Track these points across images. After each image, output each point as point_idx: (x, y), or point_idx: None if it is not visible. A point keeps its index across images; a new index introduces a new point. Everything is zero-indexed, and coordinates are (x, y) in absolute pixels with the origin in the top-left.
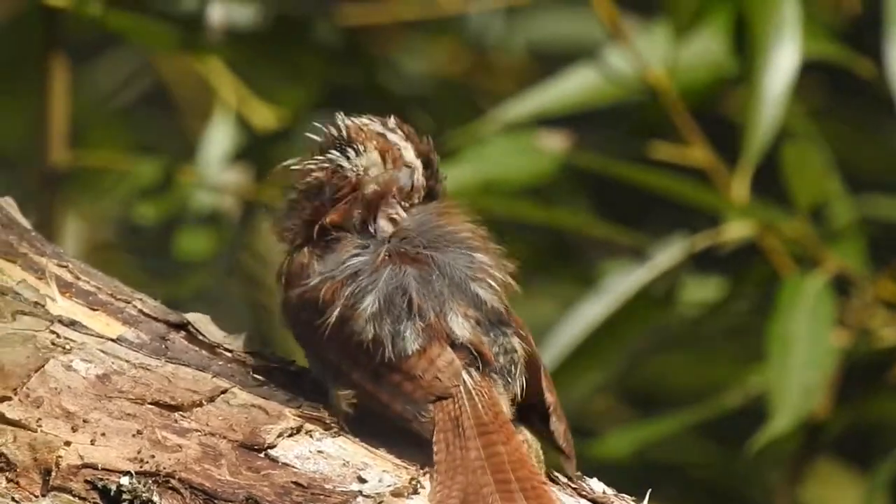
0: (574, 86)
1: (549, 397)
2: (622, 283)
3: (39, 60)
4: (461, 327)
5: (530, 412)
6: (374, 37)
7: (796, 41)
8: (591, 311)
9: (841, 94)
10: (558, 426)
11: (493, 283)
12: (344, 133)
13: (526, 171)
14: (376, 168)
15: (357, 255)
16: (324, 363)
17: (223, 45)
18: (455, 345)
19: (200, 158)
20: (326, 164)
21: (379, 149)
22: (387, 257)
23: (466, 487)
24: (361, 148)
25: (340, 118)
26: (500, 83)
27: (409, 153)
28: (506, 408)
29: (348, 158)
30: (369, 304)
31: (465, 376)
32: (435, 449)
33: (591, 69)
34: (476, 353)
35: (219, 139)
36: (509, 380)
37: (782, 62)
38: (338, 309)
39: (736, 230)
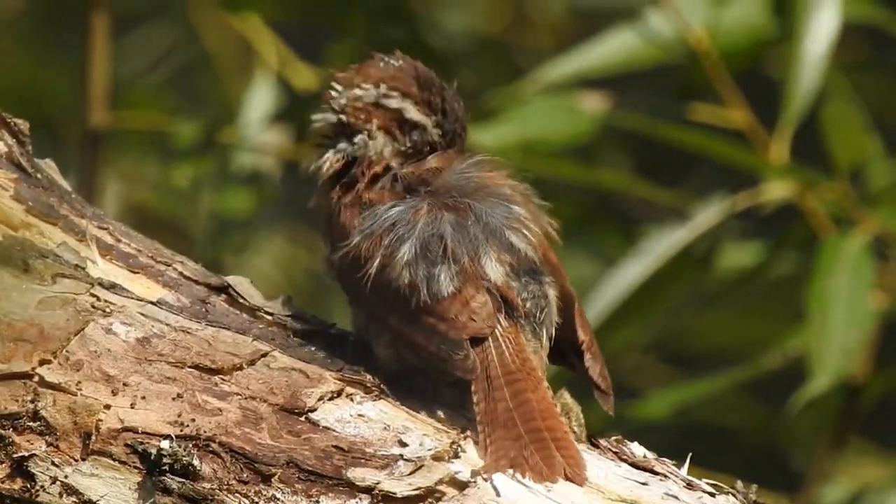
0: (615, 47)
1: (583, 335)
2: (663, 244)
3: (81, 22)
4: (494, 270)
5: (567, 351)
6: None
7: (837, 3)
8: (632, 271)
9: (881, 53)
10: (593, 364)
11: (527, 234)
12: (344, 118)
13: (566, 132)
14: (388, 146)
15: (395, 205)
16: (366, 313)
17: (265, 3)
18: (484, 289)
19: (241, 119)
20: (340, 158)
21: (382, 126)
22: (425, 207)
23: (504, 442)
24: (366, 134)
25: (334, 95)
26: (540, 39)
27: (412, 112)
28: (533, 355)
29: (358, 147)
30: (406, 251)
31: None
32: (475, 399)
33: (631, 30)
34: (502, 299)
35: (259, 99)
36: (536, 327)
37: (823, 24)
38: (377, 260)
39: (775, 191)
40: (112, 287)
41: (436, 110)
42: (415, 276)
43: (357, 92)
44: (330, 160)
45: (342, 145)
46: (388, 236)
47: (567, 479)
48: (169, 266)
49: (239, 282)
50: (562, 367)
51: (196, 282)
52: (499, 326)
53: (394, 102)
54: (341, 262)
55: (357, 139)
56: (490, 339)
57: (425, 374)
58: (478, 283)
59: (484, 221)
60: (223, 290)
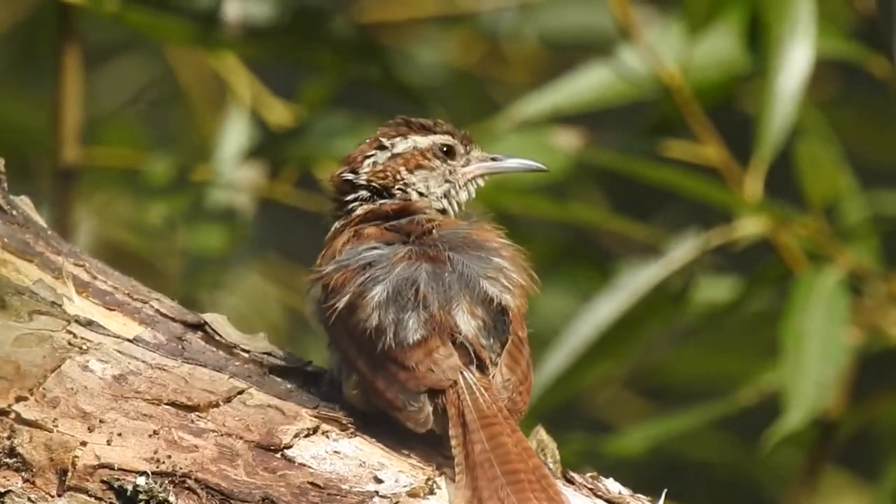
0: (588, 84)
1: (508, 374)
2: (637, 280)
3: (54, 58)
4: (466, 324)
5: None
6: (387, 29)
7: (810, 39)
8: (607, 307)
9: (854, 87)
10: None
11: (506, 282)
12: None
13: None
14: (431, 181)
15: (375, 248)
16: (339, 350)
17: (239, 40)
18: (456, 343)
19: (215, 155)
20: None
21: (411, 167)
22: (406, 254)
23: (479, 483)
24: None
25: (351, 178)
26: (514, 73)
27: (424, 141)
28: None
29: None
30: (378, 292)
31: (466, 373)
32: (453, 443)
33: (605, 67)
34: (475, 355)
35: (234, 136)
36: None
37: (796, 61)
38: (347, 296)
39: (749, 227)
40: (89, 324)
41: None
42: (384, 319)
43: (368, 160)
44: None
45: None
46: (363, 275)
47: None
48: (145, 303)
49: (215, 319)
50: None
51: (173, 319)
52: (471, 376)
53: (402, 146)
54: (311, 286)
55: (396, 191)
56: (464, 385)
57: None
58: (445, 333)
59: (460, 271)
60: (200, 327)
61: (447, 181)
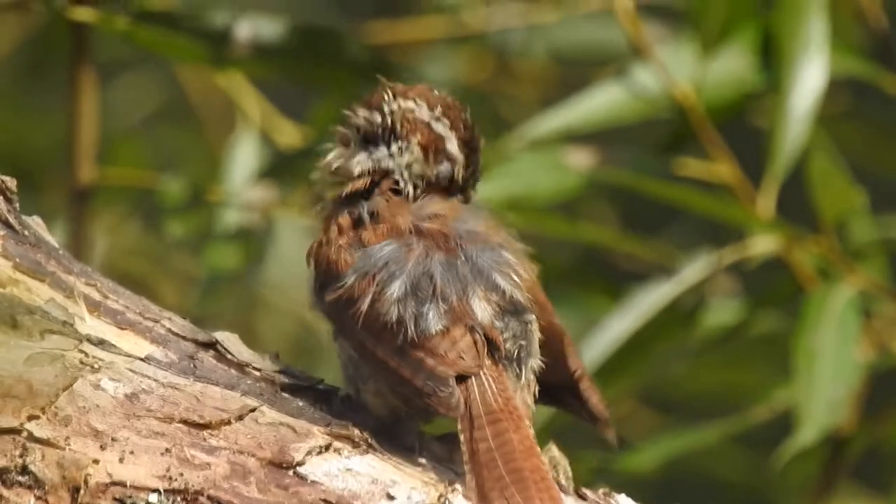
0: (600, 102)
1: (574, 366)
2: (649, 299)
3: (68, 77)
4: (482, 310)
5: (559, 391)
6: (396, 49)
7: (823, 58)
8: (619, 326)
9: (863, 104)
10: (590, 393)
11: (515, 277)
12: (389, 120)
13: (553, 188)
14: (418, 164)
15: (388, 244)
16: (353, 346)
17: (249, 60)
18: (474, 331)
19: (226, 176)
20: (369, 164)
21: (422, 143)
22: (415, 246)
23: (485, 483)
24: (405, 144)
25: (387, 98)
26: (524, 90)
27: (452, 145)
28: (517, 395)
29: (391, 156)
30: (395, 288)
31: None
32: (461, 438)
33: (617, 85)
34: (486, 339)
35: (243, 157)
36: (517, 365)
37: (809, 79)
38: (369, 297)
39: (762, 245)
40: (100, 343)
41: (470, 154)
42: (403, 313)
43: (411, 105)
44: (361, 162)
45: (377, 151)
46: (380, 274)
47: None
48: (157, 322)
49: (227, 337)
50: (557, 408)
51: (184, 338)
52: (483, 368)
53: (441, 128)
54: (335, 302)
55: (393, 147)
56: (473, 378)
57: (411, 419)
58: (466, 323)
59: (473, 262)
60: (211, 345)
61: (418, 179)
